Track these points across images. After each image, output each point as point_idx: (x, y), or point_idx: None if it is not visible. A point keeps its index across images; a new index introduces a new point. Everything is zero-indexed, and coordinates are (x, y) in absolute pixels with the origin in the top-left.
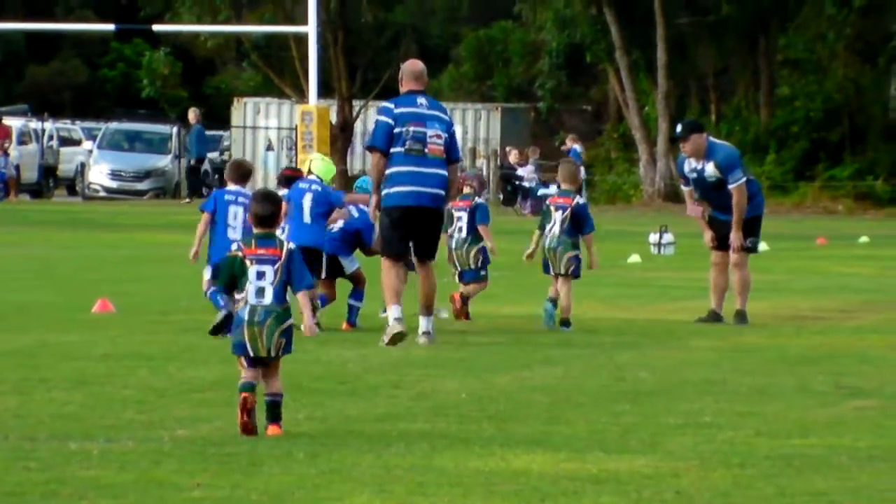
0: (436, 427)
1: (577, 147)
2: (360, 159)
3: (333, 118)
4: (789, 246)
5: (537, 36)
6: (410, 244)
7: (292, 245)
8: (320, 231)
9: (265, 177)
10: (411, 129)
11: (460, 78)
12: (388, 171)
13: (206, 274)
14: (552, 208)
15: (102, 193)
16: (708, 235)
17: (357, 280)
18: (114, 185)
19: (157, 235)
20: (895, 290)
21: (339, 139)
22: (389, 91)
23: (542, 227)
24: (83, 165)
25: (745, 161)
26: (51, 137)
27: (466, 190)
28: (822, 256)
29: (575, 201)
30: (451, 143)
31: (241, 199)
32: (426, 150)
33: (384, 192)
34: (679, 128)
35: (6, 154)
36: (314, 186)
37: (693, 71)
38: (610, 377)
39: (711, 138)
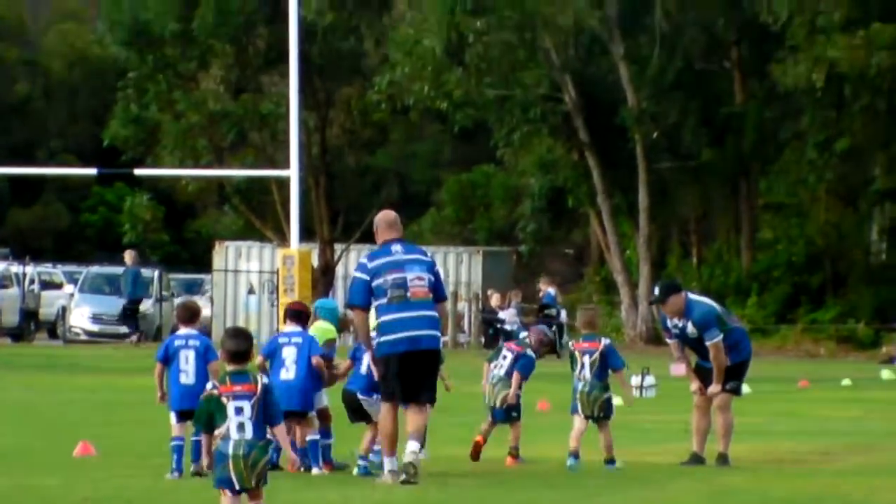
0: None
1: (552, 290)
2: (342, 304)
3: (315, 261)
4: (771, 388)
5: (519, 180)
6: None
7: (266, 380)
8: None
9: (247, 319)
10: (390, 277)
11: (442, 221)
12: (379, 321)
13: (173, 419)
14: (577, 353)
15: (84, 337)
16: (695, 385)
17: (323, 417)
18: (95, 328)
19: (138, 379)
20: (877, 433)
21: (321, 283)
22: (371, 235)
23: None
24: (64, 309)
25: (728, 304)
26: (32, 281)
27: (526, 339)
28: (805, 399)
29: (602, 344)
30: (436, 283)
31: (191, 343)
32: (408, 295)
33: (376, 342)
34: (656, 291)
35: None
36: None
37: (674, 215)
38: None
39: (690, 295)
